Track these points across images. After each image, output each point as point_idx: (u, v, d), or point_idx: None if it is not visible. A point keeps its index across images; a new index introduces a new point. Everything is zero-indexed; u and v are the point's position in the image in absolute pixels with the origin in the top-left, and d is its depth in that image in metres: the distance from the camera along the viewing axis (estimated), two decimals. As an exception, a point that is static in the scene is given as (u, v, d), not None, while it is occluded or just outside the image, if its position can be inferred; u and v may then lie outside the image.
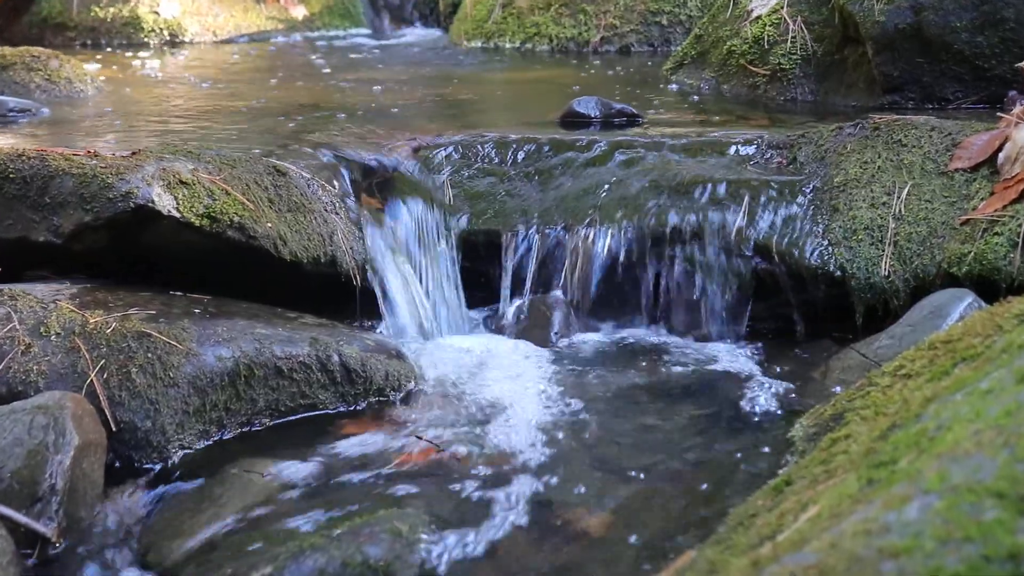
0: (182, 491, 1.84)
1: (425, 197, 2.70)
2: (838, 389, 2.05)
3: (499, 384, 2.24)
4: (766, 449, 1.90)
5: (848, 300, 2.40)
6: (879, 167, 2.53)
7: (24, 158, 2.22)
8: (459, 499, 1.76)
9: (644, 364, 2.38)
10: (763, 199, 2.53)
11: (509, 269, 2.63)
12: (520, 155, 2.87)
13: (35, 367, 1.89)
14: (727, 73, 3.82)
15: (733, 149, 2.79)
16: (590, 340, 2.51)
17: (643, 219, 2.56)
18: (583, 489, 1.80)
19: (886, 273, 2.36)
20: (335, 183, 2.57)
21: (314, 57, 5.42)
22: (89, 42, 6.11)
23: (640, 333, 2.54)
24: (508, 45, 5.70)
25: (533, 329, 2.52)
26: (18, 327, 1.95)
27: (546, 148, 2.87)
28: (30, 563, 1.63)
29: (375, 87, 4.14)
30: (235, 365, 2.01)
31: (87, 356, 1.91)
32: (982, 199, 2.38)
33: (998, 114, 2.62)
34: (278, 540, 1.63)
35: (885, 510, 0.84)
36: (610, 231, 2.57)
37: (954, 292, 2.16)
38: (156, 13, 6.22)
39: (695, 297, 2.51)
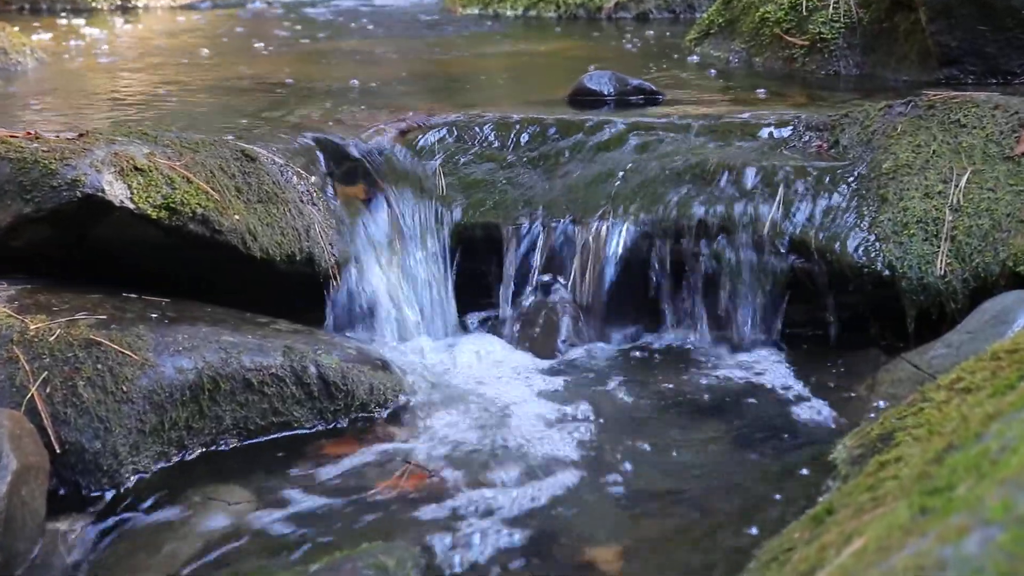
0: (137, 521, 1.84)
1: (414, 186, 2.70)
2: (887, 405, 2.05)
3: (498, 398, 2.24)
4: (804, 473, 1.90)
5: (898, 303, 2.40)
6: (934, 151, 2.53)
7: (-44, 141, 2.23)
8: (452, 530, 1.76)
9: (664, 375, 2.38)
10: (800, 188, 2.53)
11: (510, 268, 2.63)
12: (523, 138, 2.87)
13: (-32, 380, 1.90)
14: (759, 44, 3.82)
15: (766, 131, 2.79)
16: (602, 348, 2.52)
17: (663, 211, 2.56)
18: (595, 517, 1.80)
19: (942, 272, 2.36)
20: (312, 170, 2.57)
21: (288, 25, 5.43)
22: (27, 6, 6.12)
23: (660, 340, 2.55)
24: (509, 12, 5.71)
25: (538, 335, 2.52)
26: (-51, 334, 1.95)
27: (552, 130, 2.88)
28: (-38, 604, 1.63)
29: (357, 60, 4.15)
30: (198, 378, 2.02)
31: (27, 367, 1.91)
32: (1051, 187, 2.38)
33: (1070, 90, 2.62)
34: (246, 577, 1.63)
35: (940, 543, 0.84)
36: (625, 224, 2.57)
37: (1020, 294, 2.16)
38: (107, -25, 6.24)
39: (723, 299, 2.51)
